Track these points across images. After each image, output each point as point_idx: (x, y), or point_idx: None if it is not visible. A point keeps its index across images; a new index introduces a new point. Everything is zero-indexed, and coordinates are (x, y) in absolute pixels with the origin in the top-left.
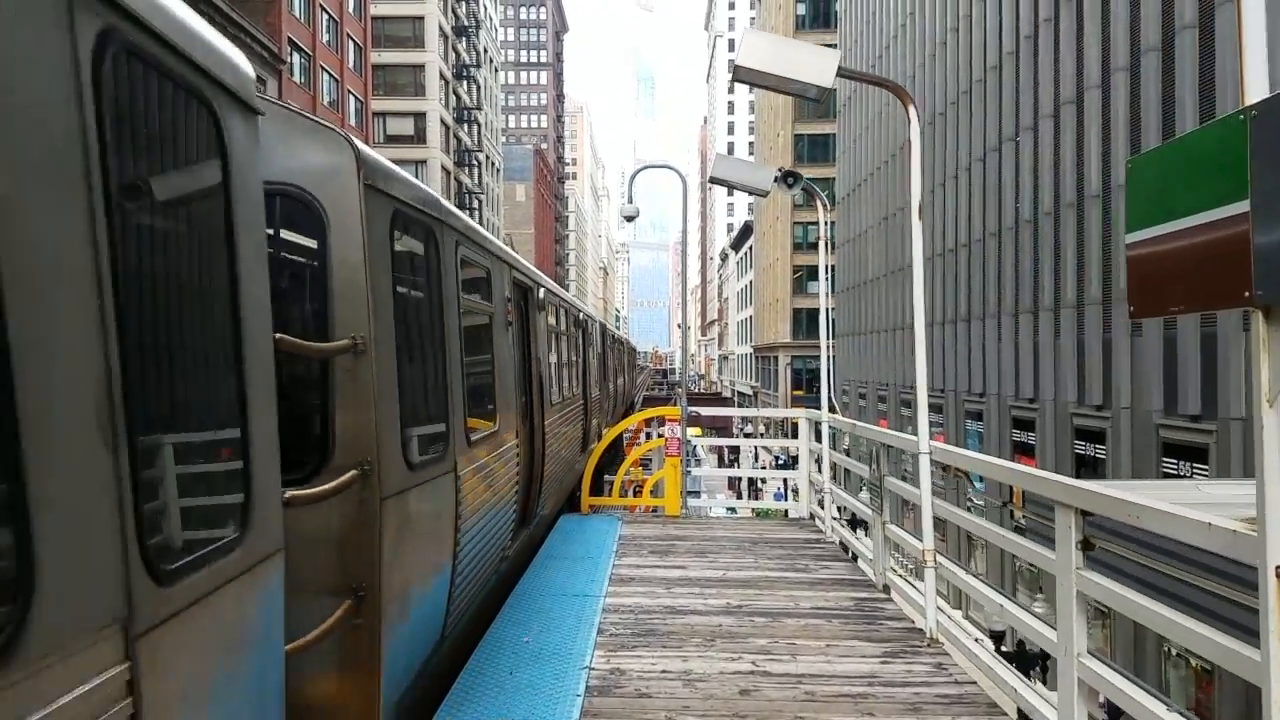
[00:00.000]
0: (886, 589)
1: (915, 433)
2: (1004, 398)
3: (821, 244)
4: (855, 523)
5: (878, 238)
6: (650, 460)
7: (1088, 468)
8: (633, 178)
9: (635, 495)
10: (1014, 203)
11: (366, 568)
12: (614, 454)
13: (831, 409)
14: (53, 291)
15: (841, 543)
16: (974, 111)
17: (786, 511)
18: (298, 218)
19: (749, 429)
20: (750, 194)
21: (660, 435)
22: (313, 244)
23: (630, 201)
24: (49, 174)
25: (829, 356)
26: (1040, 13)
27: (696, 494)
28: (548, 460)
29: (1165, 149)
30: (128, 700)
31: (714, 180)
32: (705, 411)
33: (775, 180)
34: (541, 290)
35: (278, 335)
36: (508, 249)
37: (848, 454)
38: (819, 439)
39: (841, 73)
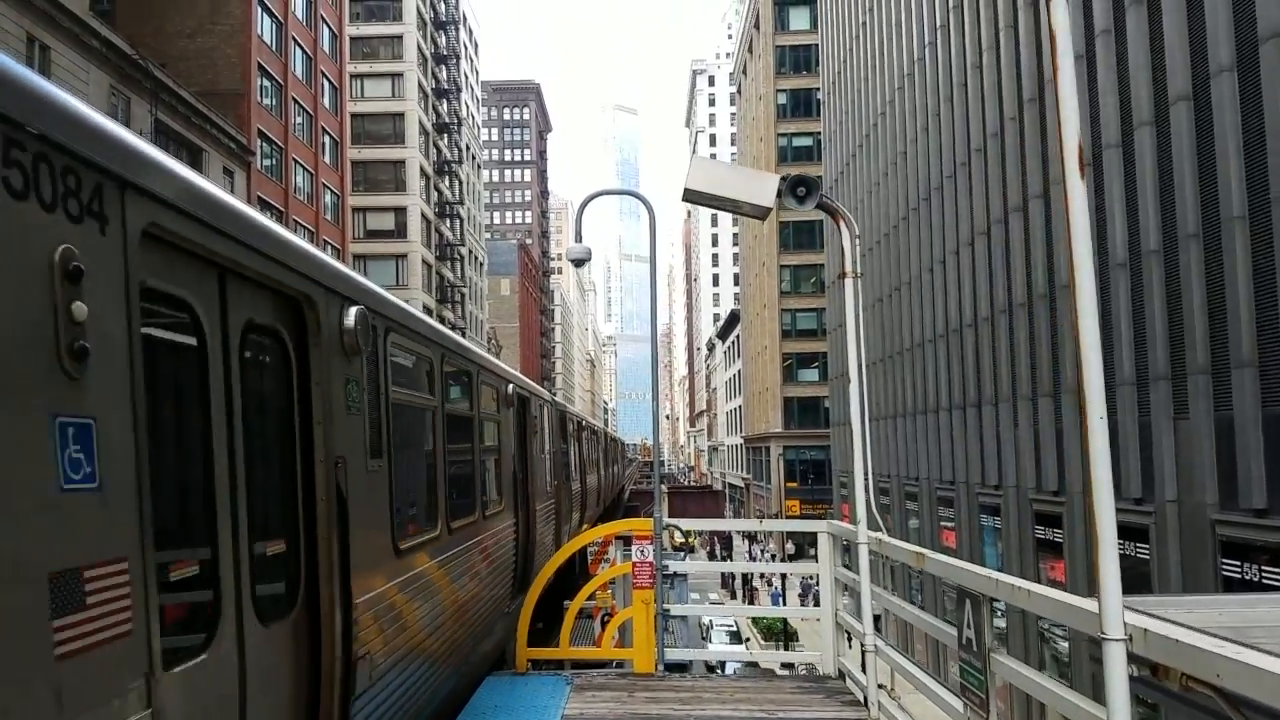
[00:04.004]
0: None
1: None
2: (1024, 490)
3: (851, 286)
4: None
5: (873, 320)
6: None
7: (1127, 567)
8: (581, 209)
9: (603, 624)
10: (1025, 274)
11: (563, 498)
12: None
13: (874, 524)
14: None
15: None
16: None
17: (793, 667)
18: (538, 415)
19: (743, 523)
20: (742, 215)
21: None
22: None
23: (579, 240)
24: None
25: (863, 444)
26: (1005, 111)
27: (679, 617)
28: (587, 494)
29: None
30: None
31: (691, 196)
32: (688, 525)
33: (779, 194)
34: (572, 416)
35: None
36: (571, 406)
37: (845, 563)
38: (843, 556)
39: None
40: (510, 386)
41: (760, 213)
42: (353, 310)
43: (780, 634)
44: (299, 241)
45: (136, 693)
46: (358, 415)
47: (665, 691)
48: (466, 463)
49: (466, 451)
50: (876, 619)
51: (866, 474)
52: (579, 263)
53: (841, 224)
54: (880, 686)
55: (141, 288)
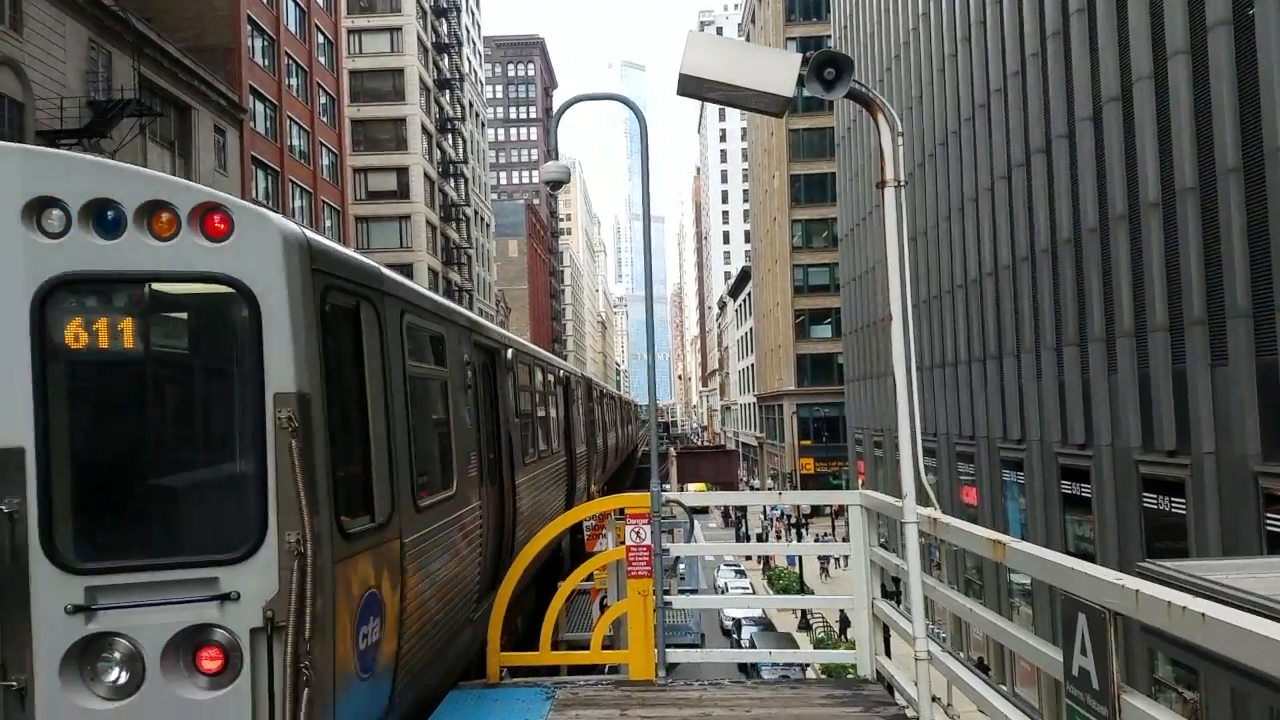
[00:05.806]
0: None
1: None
2: (1048, 444)
3: (894, 197)
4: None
5: (886, 274)
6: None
7: (1161, 523)
8: (559, 114)
9: (602, 609)
10: (1049, 219)
11: (590, 449)
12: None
13: (924, 497)
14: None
15: None
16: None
17: (829, 671)
18: (575, 389)
19: (755, 481)
20: (754, 109)
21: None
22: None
23: (555, 156)
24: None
25: (909, 396)
26: (1026, 48)
27: (689, 589)
28: (607, 451)
29: None
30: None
31: (688, 86)
32: (692, 500)
33: (802, 79)
34: (595, 386)
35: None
36: (594, 377)
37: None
38: (880, 534)
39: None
40: (562, 371)
41: (777, 106)
42: (510, 350)
43: (796, 592)
44: (493, 326)
45: (480, 486)
46: (511, 399)
47: (667, 706)
48: (543, 422)
49: (543, 415)
50: (897, 588)
51: (915, 434)
52: (555, 184)
53: (880, 118)
54: (934, 699)
55: (473, 363)
